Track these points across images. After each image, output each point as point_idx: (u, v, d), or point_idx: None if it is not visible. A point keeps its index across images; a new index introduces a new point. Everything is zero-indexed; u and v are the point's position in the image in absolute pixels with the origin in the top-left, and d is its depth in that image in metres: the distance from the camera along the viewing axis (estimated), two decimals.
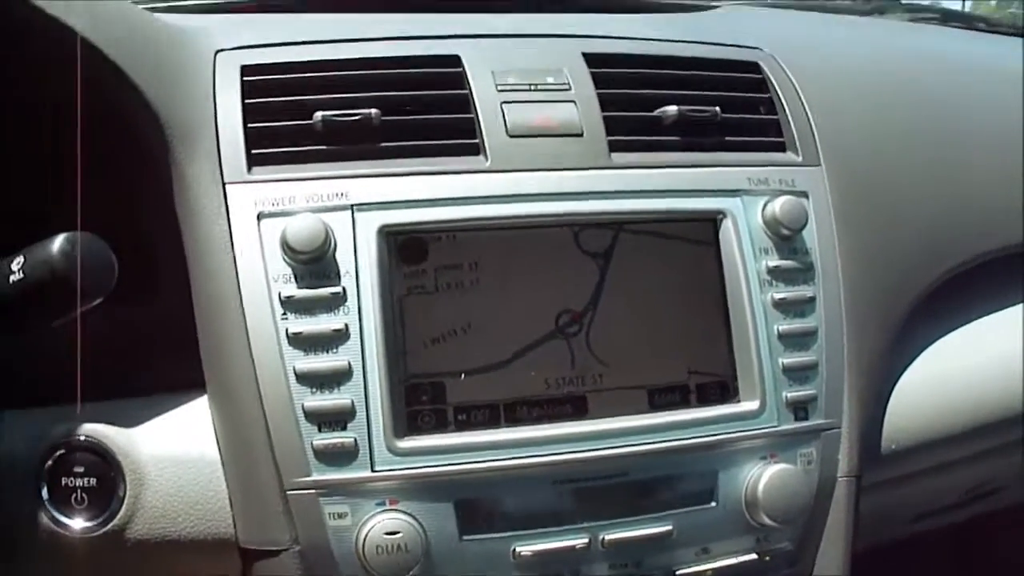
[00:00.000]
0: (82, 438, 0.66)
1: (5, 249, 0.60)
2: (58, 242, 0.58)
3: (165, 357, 0.71)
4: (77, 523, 0.66)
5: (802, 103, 0.81)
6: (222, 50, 0.73)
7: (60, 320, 0.60)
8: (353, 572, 0.65)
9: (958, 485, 0.93)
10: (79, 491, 0.66)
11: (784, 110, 0.81)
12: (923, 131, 0.88)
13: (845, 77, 0.88)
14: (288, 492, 0.65)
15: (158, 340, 0.72)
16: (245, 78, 0.71)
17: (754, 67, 0.82)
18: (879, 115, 0.87)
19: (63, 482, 0.66)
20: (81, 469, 0.66)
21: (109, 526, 0.66)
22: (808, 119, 0.81)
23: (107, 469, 0.66)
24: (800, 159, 0.79)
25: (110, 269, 0.60)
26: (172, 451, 0.68)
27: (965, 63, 1.00)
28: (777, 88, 0.81)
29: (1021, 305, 0.89)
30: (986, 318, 0.88)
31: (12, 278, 0.58)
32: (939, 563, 1.20)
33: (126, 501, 0.66)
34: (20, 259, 0.59)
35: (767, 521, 0.71)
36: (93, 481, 0.66)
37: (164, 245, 0.71)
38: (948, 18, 1.20)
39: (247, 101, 0.71)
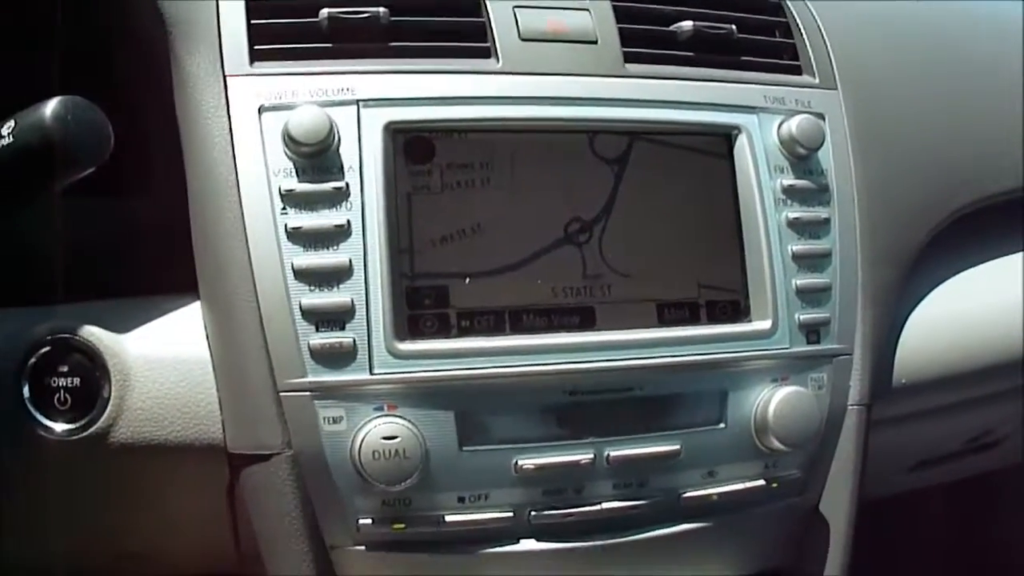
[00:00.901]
0: (68, 336, 0.63)
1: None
2: (51, 105, 0.55)
3: (158, 258, 0.69)
4: (59, 424, 0.63)
5: (819, 28, 0.80)
6: None
7: (53, 188, 0.57)
8: (347, 479, 0.62)
9: (959, 432, 0.91)
10: (62, 391, 0.63)
11: (801, 33, 0.79)
12: (941, 66, 0.87)
13: (863, 8, 0.86)
14: (281, 394, 0.62)
15: (151, 240, 0.70)
16: None
17: None
18: (898, 46, 0.86)
19: (45, 382, 0.63)
20: (65, 369, 0.63)
21: (92, 429, 0.63)
22: (825, 44, 0.79)
23: (92, 369, 0.63)
24: (817, 81, 0.77)
25: (105, 136, 0.58)
26: (161, 352, 0.65)
27: (986, 10, 0.99)
28: (794, 12, 0.80)
29: None
30: (998, 260, 0.86)
31: (2, 143, 0.55)
32: (937, 523, 1.19)
33: (111, 403, 0.63)
34: (11, 124, 0.56)
35: (776, 445, 0.69)
36: (77, 381, 0.63)
37: (160, 141, 0.68)
38: None
39: None
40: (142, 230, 0.71)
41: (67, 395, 0.63)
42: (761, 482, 0.70)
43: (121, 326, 0.65)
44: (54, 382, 0.63)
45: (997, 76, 0.91)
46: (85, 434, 0.63)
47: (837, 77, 0.78)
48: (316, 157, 0.64)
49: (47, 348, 0.63)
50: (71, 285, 0.67)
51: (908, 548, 1.18)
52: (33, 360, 0.63)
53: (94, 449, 0.63)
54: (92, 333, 0.64)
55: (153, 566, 0.72)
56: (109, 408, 0.63)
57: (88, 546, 0.68)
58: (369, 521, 0.63)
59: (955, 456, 0.94)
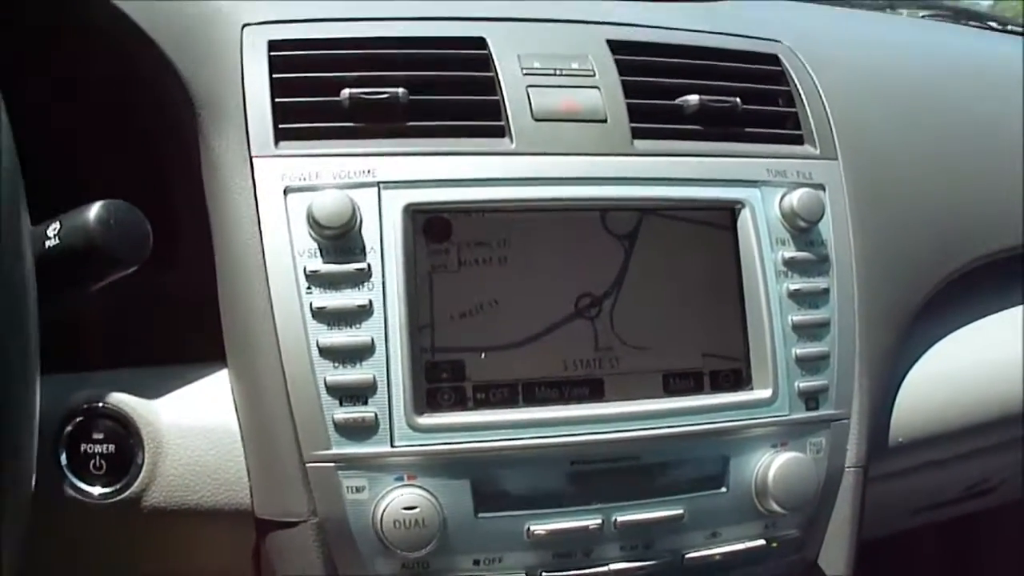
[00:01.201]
0: (102, 404, 0.67)
1: (40, 218, 0.61)
2: (95, 209, 0.59)
3: (187, 329, 0.72)
4: (95, 489, 0.66)
5: (820, 96, 0.82)
6: (249, 24, 0.73)
7: (93, 287, 0.61)
8: (370, 546, 0.66)
9: (957, 481, 0.94)
10: (98, 457, 0.66)
11: (803, 103, 0.81)
12: (939, 126, 0.90)
13: (862, 72, 0.89)
14: (307, 464, 0.66)
15: (181, 312, 0.73)
16: (272, 53, 0.72)
17: (774, 59, 0.83)
18: (895, 111, 0.88)
19: (82, 448, 0.66)
20: (100, 436, 0.66)
21: (126, 493, 0.66)
22: (826, 112, 0.82)
23: (126, 436, 0.67)
24: (818, 152, 0.80)
25: (145, 237, 0.61)
26: (191, 420, 0.68)
27: (978, 63, 1.02)
28: (796, 80, 0.82)
29: None
30: (992, 316, 0.89)
31: (48, 243, 0.59)
32: (936, 557, 1.22)
33: (144, 468, 0.66)
34: (56, 225, 0.59)
35: (776, 508, 0.72)
36: (112, 448, 0.67)
37: (190, 219, 0.72)
38: (960, 16, 1.21)
39: (275, 76, 0.71)
40: (171, 301, 0.74)
41: (102, 461, 0.66)
42: (761, 542, 0.73)
43: (153, 394, 0.68)
44: (90, 448, 0.66)
45: (996, 134, 0.93)
46: (120, 498, 0.66)
47: (837, 146, 0.80)
48: (339, 239, 0.67)
49: (83, 416, 0.66)
50: (104, 353, 0.70)
51: None
52: (70, 428, 0.66)
53: (128, 512, 0.66)
54: (125, 402, 0.67)
55: None
56: (143, 474, 0.66)
57: None
58: None
59: (953, 502, 0.97)
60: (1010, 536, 1.20)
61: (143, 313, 0.74)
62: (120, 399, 0.67)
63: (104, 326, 0.68)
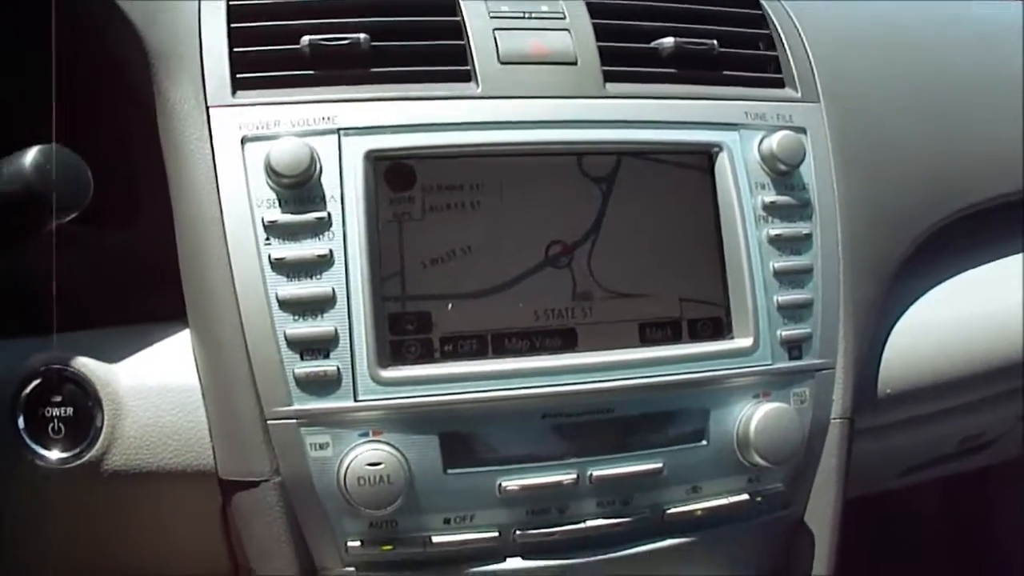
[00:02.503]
0: (59, 367, 0.65)
1: None
2: (31, 154, 0.56)
3: (147, 287, 0.70)
4: (54, 453, 0.64)
5: (802, 40, 0.80)
6: None
7: (32, 234, 0.58)
8: (335, 503, 0.64)
9: (950, 435, 0.92)
10: (56, 421, 0.65)
11: (783, 46, 0.79)
12: (923, 75, 0.87)
13: (847, 16, 0.86)
14: (269, 422, 0.63)
15: (140, 270, 0.71)
16: (231, 2, 0.69)
17: (754, 2, 0.80)
18: (880, 56, 0.86)
19: (40, 412, 0.64)
20: (58, 399, 0.65)
21: (86, 457, 0.64)
22: (808, 56, 0.79)
23: (84, 399, 0.65)
24: (799, 95, 0.77)
25: (85, 183, 0.59)
26: (151, 381, 0.66)
27: (965, 17, 0.98)
28: (776, 24, 0.80)
29: (1020, 255, 0.88)
30: (984, 266, 0.86)
31: None
32: (929, 514, 1.20)
33: (104, 431, 0.65)
34: None
35: (759, 461, 0.69)
36: (70, 411, 0.65)
37: (147, 172, 0.69)
38: None
39: (233, 25, 0.69)
40: (131, 259, 0.72)
41: (61, 424, 0.65)
42: (745, 496, 0.71)
43: (112, 356, 0.67)
44: (48, 412, 0.64)
45: (983, 83, 0.90)
46: (79, 462, 0.64)
47: (820, 90, 0.78)
48: (298, 188, 0.64)
49: (40, 379, 0.65)
50: (62, 315, 0.68)
51: (898, 541, 1.19)
52: (27, 391, 0.64)
53: (89, 476, 0.64)
54: (84, 364, 0.65)
55: None
56: (102, 437, 0.64)
57: (85, 568, 0.70)
58: (357, 543, 0.65)
59: (947, 458, 0.94)
60: (1008, 494, 1.17)
61: (103, 273, 0.72)
62: (78, 361, 0.65)
63: (63, 287, 0.66)
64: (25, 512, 0.66)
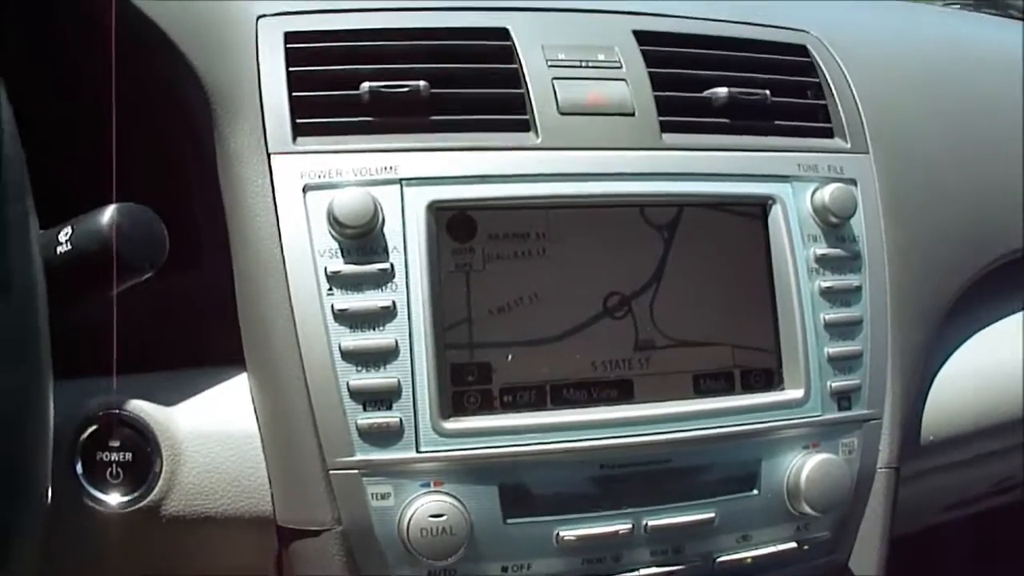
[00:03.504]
0: (118, 412, 0.65)
1: (52, 222, 0.58)
2: (108, 213, 0.56)
3: (205, 332, 0.70)
4: (112, 498, 0.64)
5: (850, 88, 0.80)
6: (264, 16, 0.71)
7: (110, 293, 0.58)
8: (396, 554, 0.64)
9: (985, 478, 0.93)
10: (114, 466, 0.64)
11: (832, 95, 0.79)
12: (970, 121, 0.88)
13: (891, 63, 0.87)
14: (331, 471, 0.64)
15: (199, 315, 0.71)
16: (289, 45, 0.69)
17: (802, 50, 0.81)
18: (925, 102, 0.86)
19: (98, 456, 0.64)
20: (117, 443, 0.65)
21: (144, 502, 0.64)
22: (856, 104, 0.80)
23: (143, 444, 0.65)
24: (848, 146, 0.78)
25: (161, 242, 0.59)
26: (210, 427, 0.66)
27: (1004, 52, 0.99)
28: (825, 72, 0.80)
29: None
30: (1020, 313, 0.87)
31: (60, 249, 0.56)
32: (962, 547, 1.21)
33: (162, 476, 0.65)
34: (68, 230, 0.57)
35: (808, 510, 0.70)
36: (129, 456, 0.65)
37: (207, 218, 0.70)
38: (987, 4, 1.19)
39: (291, 69, 0.68)
40: (191, 303, 0.72)
41: (119, 469, 0.65)
42: (793, 544, 0.72)
43: (171, 400, 0.67)
44: (106, 456, 0.65)
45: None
46: (138, 507, 0.64)
47: (868, 139, 0.78)
48: (361, 238, 0.65)
49: (99, 424, 0.65)
50: (121, 357, 0.68)
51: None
52: (85, 435, 0.64)
53: (146, 521, 0.64)
54: (142, 408, 0.65)
55: None
56: (161, 482, 0.65)
57: None
58: None
59: (981, 498, 0.95)
60: None
61: (162, 317, 0.71)
62: (137, 405, 0.65)
63: (122, 330, 0.66)
64: (82, 556, 0.66)
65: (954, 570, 1.22)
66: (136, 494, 0.65)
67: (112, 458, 0.65)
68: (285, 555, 0.67)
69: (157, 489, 0.65)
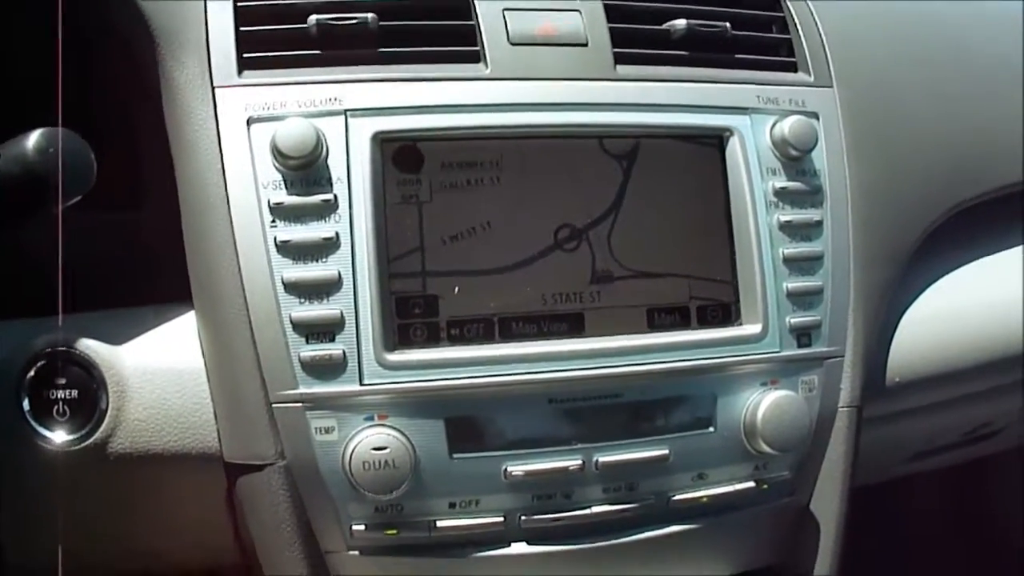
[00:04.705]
0: (64, 349, 0.65)
1: None
2: (34, 138, 0.56)
3: (153, 269, 0.70)
4: (59, 435, 0.64)
5: (815, 23, 0.79)
6: None
7: (34, 217, 0.58)
8: (340, 488, 0.64)
9: (958, 424, 0.91)
10: (61, 403, 0.64)
11: (797, 29, 0.78)
12: (939, 61, 0.86)
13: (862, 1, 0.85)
14: (274, 405, 0.63)
15: (146, 252, 0.70)
16: None
17: None
18: (895, 41, 0.85)
19: (44, 394, 0.64)
20: (63, 381, 0.64)
21: (91, 439, 0.64)
22: (821, 39, 0.78)
23: (89, 381, 0.65)
24: (812, 79, 0.76)
25: (88, 167, 0.58)
26: (156, 363, 0.66)
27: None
28: (790, 7, 0.79)
29: None
30: (993, 256, 0.86)
31: None
32: (932, 501, 1.20)
33: (108, 413, 0.64)
34: None
35: (765, 448, 0.69)
36: (75, 393, 0.65)
37: (153, 154, 0.69)
38: None
39: (239, 4, 0.68)
40: (137, 241, 0.72)
41: (66, 407, 0.64)
42: (751, 484, 0.71)
43: (117, 337, 0.66)
44: (53, 394, 0.64)
45: (997, 69, 0.89)
46: (84, 444, 0.64)
47: (833, 74, 0.77)
48: (304, 169, 0.64)
49: (45, 361, 0.64)
50: (67, 296, 0.68)
51: (903, 529, 1.19)
52: (31, 373, 0.64)
53: (94, 458, 0.64)
54: (89, 346, 0.65)
55: (156, 564, 0.74)
56: (107, 419, 0.64)
57: (91, 548, 0.69)
58: (362, 527, 0.65)
59: (953, 446, 0.94)
60: (1014, 482, 1.17)
61: (110, 256, 0.71)
62: (83, 343, 0.65)
63: (69, 270, 0.66)
64: (30, 493, 0.65)
65: (922, 522, 1.21)
66: (83, 431, 0.64)
67: (58, 395, 0.64)
68: (233, 490, 0.67)
69: (104, 426, 0.64)
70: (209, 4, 0.68)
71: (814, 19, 0.79)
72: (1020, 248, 0.87)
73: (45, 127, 0.57)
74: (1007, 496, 1.21)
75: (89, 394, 0.64)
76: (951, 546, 1.24)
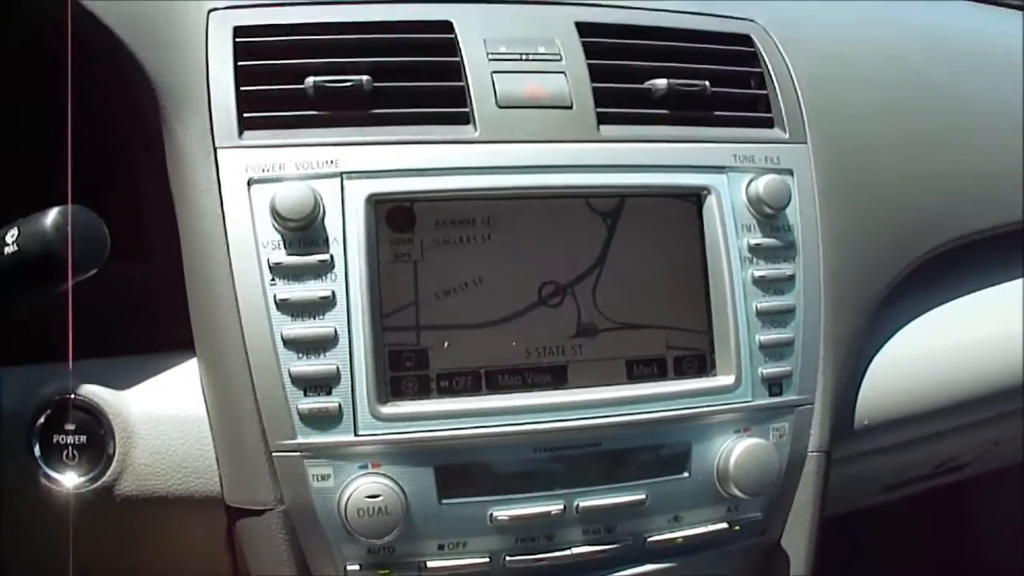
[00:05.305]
0: (73, 396, 0.68)
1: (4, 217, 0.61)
2: (51, 216, 0.59)
3: (157, 318, 0.73)
4: (68, 479, 0.67)
5: (791, 78, 0.81)
6: (215, 9, 0.72)
7: (52, 291, 0.61)
8: (335, 531, 0.67)
9: (927, 460, 0.95)
10: (70, 448, 0.68)
11: (773, 84, 0.81)
12: (910, 110, 0.89)
13: (837, 52, 0.88)
14: (274, 454, 0.67)
15: (151, 302, 0.73)
16: (238, 39, 0.71)
17: (746, 40, 0.82)
18: (868, 92, 0.87)
19: (54, 439, 0.67)
20: (72, 427, 0.68)
21: (99, 482, 0.67)
22: (797, 95, 0.81)
23: (97, 427, 0.68)
24: (787, 135, 0.79)
25: (103, 243, 0.61)
26: (161, 410, 0.69)
27: (957, 38, 1.00)
28: (767, 62, 0.81)
29: (993, 287, 0.90)
30: (962, 298, 0.89)
31: (6, 250, 0.59)
32: (905, 527, 1.23)
33: (116, 458, 0.68)
34: (14, 231, 0.59)
35: (737, 493, 0.73)
36: (83, 438, 0.68)
37: (157, 210, 0.72)
38: None
39: (240, 64, 0.70)
40: (144, 291, 0.75)
41: (75, 451, 0.68)
42: (724, 525, 0.74)
43: (124, 384, 0.70)
44: (62, 439, 0.68)
45: (967, 113, 0.92)
46: (93, 487, 0.67)
47: (807, 129, 0.80)
48: (302, 230, 0.67)
49: (55, 408, 0.68)
50: (76, 343, 0.71)
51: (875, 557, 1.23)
52: (42, 419, 0.67)
53: (102, 500, 0.68)
54: (97, 393, 0.68)
55: None
56: (114, 464, 0.68)
57: None
58: (356, 567, 0.68)
59: (922, 478, 0.98)
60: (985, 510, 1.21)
61: (116, 305, 0.74)
62: (91, 390, 0.68)
63: (77, 317, 0.69)
64: (42, 532, 0.69)
65: (895, 550, 1.25)
66: (91, 475, 0.68)
67: (68, 440, 0.68)
68: (234, 531, 0.70)
69: (111, 470, 0.68)
70: (211, 63, 0.70)
71: (790, 74, 0.82)
72: (988, 291, 0.90)
73: (61, 205, 0.60)
74: (986, 517, 1.25)
75: (97, 439, 0.68)
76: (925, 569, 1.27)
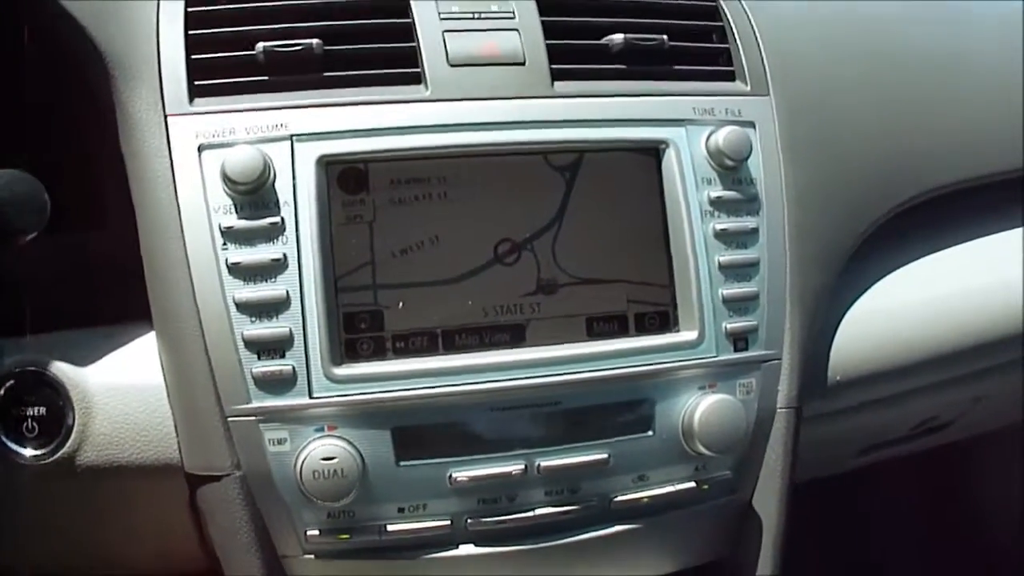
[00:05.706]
0: (31, 368, 0.68)
1: None
2: None
3: (114, 289, 0.73)
4: (28, 451, 0.67)
5: (754, 32, 0.80)
6: None
7: None
8: (293, 496, 0.67)
9: (904, 419, 0.93)
10: (29, 420, 0.68)
11: (735, 38, 0.80)
12: (875, 64, 0.87)
13: (803, 6, 0.86)
14: (229, 419, 0.66)
15: (107, 272, 0.73)
16: (189, 8, 0.71)
17: None
18: (832, 42, 0.86)
19: (13, 412, 0.67)
20: (31, 398, 0.68)
21: (59, 453, 0.67)
22: (759, 47, 0.80)
23: (56, 399, 0.68)
24: (748, 88, 0.78)
25: (41, 207, 0.61)
26: (119, 380, 0.69)
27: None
28: (729, 15, 0.80)
29: (970, 242, 0.89)
30: (936, 254, 0.87)
31: None
32: (884, 492, 1.22)
33: (75, 429, 0.68)
34: None
35: (703, 450, 0.72)
36: (43, 410, 0.68)
37: (112, 176, 0.71)
38: None
39: (190, 32, 0.70)
40: (100, 261, 0.75)
41: (34, 423, 0.68)
42: (692, 484, 0.73)
43: (82, 356, 0.69)
44: (22, 411, 0.68)
45: (937, 69, 0.90)
46: (53, 459, 0.67)
47: (770, 82, 0.79)
48: (253, 194, 0.67)
49: (14, 381, 0.68)
50: (33, 316, 0.71)
51: (848, 523, 1.21)
52: (1, 392, 0.68)
53: (62, 472, 0.68)
54: (55, 365, 0.68)
55: (125, 572, 0.78)
56: (74, 435, 0.68)
57: (60, 561, 0.73)
58: (316, 532, 0.68)
59: (903, 439, 0.96)
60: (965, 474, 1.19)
61: (72, 276, 0.74)
62: (50, 362, 0.68)
63: (33, 290, 0.69)
64: (2, 506, 0.69)
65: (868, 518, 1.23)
66: (51, 446, 0.68)
67: (27, 412, 0.68)
68: (194, 500, 0.70)
69: (71, 441, 0.68)
70: (161, 32, 0.70)
71: (752, 27, 0.81)
72: (960, 247, 0.88)
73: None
74: (979, 484, 1.23)
75: (56, 411, 0.68)
76: (900, 536, 1.25)
